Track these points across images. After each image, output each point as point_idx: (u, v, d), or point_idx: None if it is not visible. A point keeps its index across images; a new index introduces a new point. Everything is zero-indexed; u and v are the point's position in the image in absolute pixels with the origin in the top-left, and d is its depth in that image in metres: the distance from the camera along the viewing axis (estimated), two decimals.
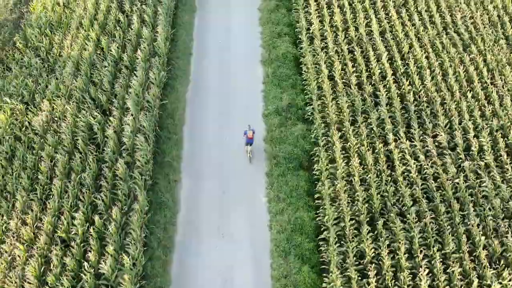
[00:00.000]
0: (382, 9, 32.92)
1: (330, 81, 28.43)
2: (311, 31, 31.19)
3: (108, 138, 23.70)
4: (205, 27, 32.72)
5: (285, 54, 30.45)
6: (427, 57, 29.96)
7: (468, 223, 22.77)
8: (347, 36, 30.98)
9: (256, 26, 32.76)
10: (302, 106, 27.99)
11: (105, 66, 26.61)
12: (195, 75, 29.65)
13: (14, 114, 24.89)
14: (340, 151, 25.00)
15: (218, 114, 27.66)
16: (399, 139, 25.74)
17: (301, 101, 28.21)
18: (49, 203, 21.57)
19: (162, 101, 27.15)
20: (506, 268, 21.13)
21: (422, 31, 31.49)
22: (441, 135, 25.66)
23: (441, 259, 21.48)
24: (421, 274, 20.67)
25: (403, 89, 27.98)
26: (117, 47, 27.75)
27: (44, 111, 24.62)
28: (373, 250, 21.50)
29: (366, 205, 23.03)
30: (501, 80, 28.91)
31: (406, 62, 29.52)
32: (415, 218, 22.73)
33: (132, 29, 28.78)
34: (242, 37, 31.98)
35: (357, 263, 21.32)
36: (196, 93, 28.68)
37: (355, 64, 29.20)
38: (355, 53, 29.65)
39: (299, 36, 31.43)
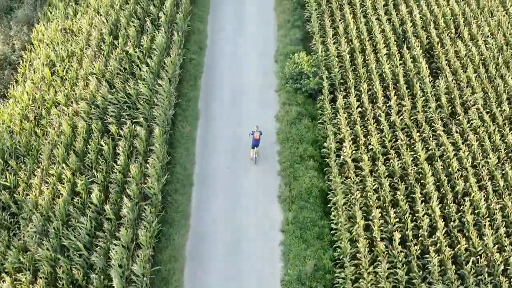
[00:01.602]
0: (427, 124, 28.90)
1: (366, 232, 24.53)
2: (341, 156, 27.21)
3: None
4: (210, 143, 28.86)
5: (309, 189, 26.58)
6: (486, 199, 25.97)
7: None
8: (387, 164, 27.02)
9: (273, 143, 28.83)
10: (331, 268, 24.05)
11: (82, 223, 22.63)
12: (196, 217, 25.72)
13: None
14: None
15: (224, 277, 23.71)
16: None
17: (329, 260, 24.29)
18: None
19: (154, 265, 23.23)
20: None
21: (478, 156, 27.47)
22: None
23: None
24: None
25: (459, 249, 24.03)
26: (99, 190, 23.78)
27: None
28: None
29: None
30: None
31: (461, 208, 25.49)
32: None
33: (118, 164, 24.76)
34: (254, 159, 28.04)
35: None
36: (197, 244, 24.83)
37: (398, 209, 25.24)
38: (398, 192, 25.66)
39: (326, 159, 27.49)
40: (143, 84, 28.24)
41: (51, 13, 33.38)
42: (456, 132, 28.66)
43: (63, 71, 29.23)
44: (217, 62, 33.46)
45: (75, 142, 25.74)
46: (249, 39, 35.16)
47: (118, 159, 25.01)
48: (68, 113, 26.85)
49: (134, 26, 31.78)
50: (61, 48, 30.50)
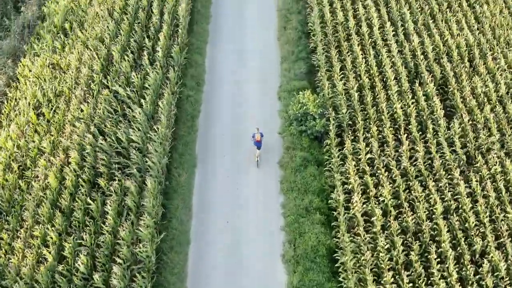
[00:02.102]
0: (443, 171, 27.45)
1: None
2: (351, 210, 25.82)
3: None
4: (209, 193, 27.44)
5: (315, 247, 25.21)
6: (505, 257, 24.60)
7: None
8: (399, 218, 25.65)
9: (276, 193, 27.46)
10: None
11: None
12: (194, 279, 24.37)
13: None
14: None
15: None
16: None
17: None
18: None
19: None
20: None
21: (496, 209, 26.08)
22: None
23: None
24: None
25: None
26: (85, 254, 22.41)
27: None
28: None
29: None
30: None
31: (480, 269, 24.14)
32: None
33: (106, 224, 23.35)
34: (255, 211, 26.74)
35: None
36: None
37: (412, 271, 23.87)
38: (412, 252, 24.30)
39: (334, 212, 26.12)
40: (135, 127, 26.81)
41: (37, 45, 31.92)
42: (476, 181, 27.23)
43: (50, 113, 27.79)
44: (216, 99, 32.01)
45: (60, 198, 24.30)
46: (251, 73, 33.66)
47: (107, 218, 23.57)
48: (56, 164, 25.44)
49: (128, 61, 30.34)
50: (49, 87, 29.08)
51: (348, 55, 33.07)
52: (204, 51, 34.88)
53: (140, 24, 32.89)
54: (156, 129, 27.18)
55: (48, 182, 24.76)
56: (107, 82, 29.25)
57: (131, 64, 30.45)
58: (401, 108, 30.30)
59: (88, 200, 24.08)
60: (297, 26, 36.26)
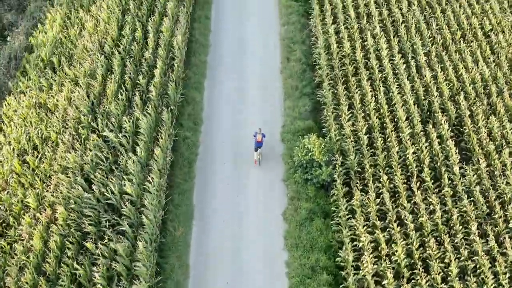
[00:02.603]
0: (461, 224, 26.08)
1: None
2: (361, 271, 24.39)
3: None
4: (208, 251, 25.96)
5: None
6: None
7: None
8: (412, 280, 24.24)
9: (280, 249, 26.01)
10: None
11: None
12: None
13: None
14: None
15: None
16: None
17: None
18: None
19: None
20: None
21: None
22: None
23: None
24: None
25: None
26: None
27: None
28: None
29: None
30: None
31: None
32: None
33: None
34: (258, 275, 25.27)
35: None
36: None
37: None
38: None
39: (342, 272, 24.72)
40: (128, 178, 25.35)
41: (23, 83, 30.38)
42: (493, 236, 25.83)
43: (35, 161, 26.28)
44: (215, 142, 30.33)
45: (45, 262, 22.83)
46: (252, 112, 31.94)
47: (96, 286, 22.10)
48: (41, 221, 23.97)
49: (122, 100, 28.87)
50: (34, 130, 27.55)
51: (357, 92, 31.61)
52: (202, 86, 33.19)
53: (133, 59, 31.28)
54: (151, 180, 25.72)
55: (32, 244, 23.27)
56: (97, 126, 27.78)
57: (124, 104, 28.93)
58: (414, 153, 28.87)
59: (75, 264, 22.62)
60: (301, 58, 34.66)
